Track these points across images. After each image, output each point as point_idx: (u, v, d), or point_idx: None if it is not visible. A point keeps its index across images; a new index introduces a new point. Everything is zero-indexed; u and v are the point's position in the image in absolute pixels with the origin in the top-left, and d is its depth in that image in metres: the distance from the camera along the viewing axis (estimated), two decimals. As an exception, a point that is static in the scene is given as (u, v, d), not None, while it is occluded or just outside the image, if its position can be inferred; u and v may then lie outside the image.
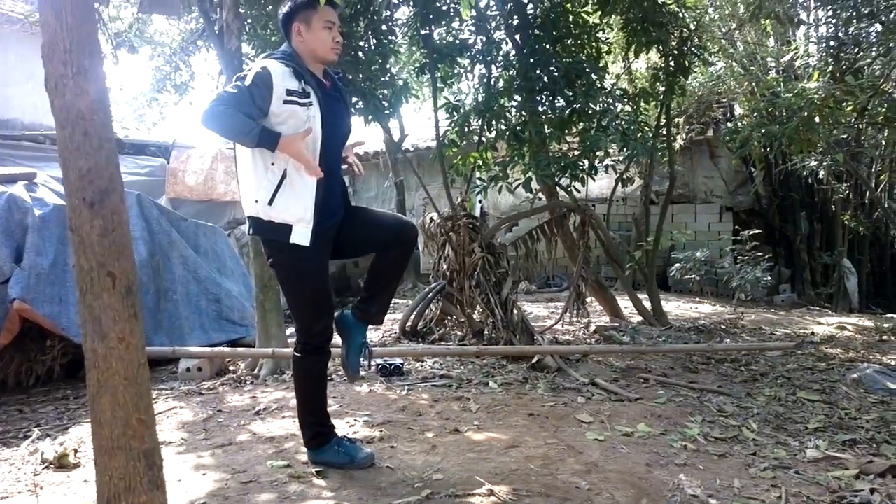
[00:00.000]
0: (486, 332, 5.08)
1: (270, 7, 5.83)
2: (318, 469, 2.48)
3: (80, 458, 2.69)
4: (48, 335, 4.12)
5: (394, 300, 9.10)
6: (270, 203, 2.30)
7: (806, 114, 6.29)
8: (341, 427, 3.01)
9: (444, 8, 5.82)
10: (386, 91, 6.07)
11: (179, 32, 8.49)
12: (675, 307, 7.82)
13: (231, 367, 4.50)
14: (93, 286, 1.39)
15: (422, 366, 4.52)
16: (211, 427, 3.11)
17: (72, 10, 1.45)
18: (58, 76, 1.44)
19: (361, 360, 2.60)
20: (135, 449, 1.40)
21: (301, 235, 2.31)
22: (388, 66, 6.27)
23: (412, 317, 5.53)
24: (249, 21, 5.99)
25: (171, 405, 3.55)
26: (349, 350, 2.61)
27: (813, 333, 6.32)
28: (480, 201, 7.22)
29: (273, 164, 2.30)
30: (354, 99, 5.93)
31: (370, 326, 2.72)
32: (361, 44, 6.11)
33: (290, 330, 4.85)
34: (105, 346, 1.39)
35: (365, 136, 12.73)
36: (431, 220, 5.76)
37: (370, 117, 6.07)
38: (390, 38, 6.27)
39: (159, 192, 8.68)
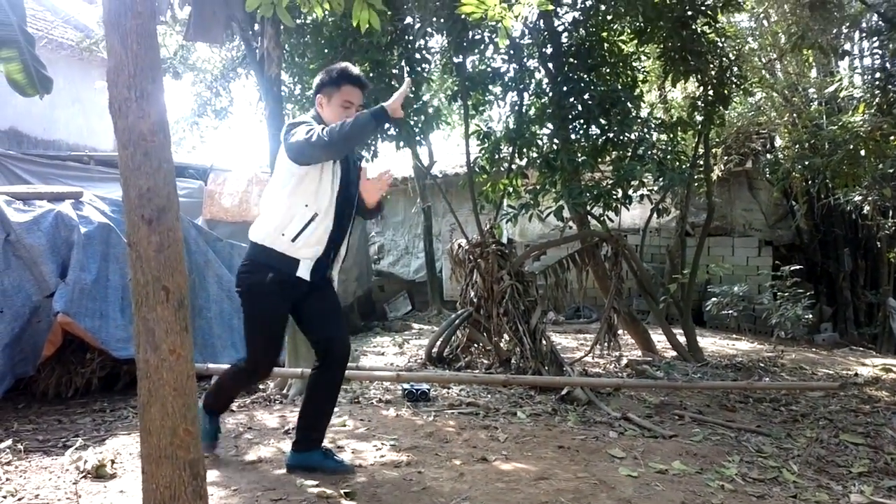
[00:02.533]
0: (513, 360, 5.03)
1: (308, 37, 6.01)
2: (347, 490, 2.48)
3: (117, 468, 2.73)
4: (88, 348, 4.22)
5: (419, 326, 9.15)
6: (294, 240, 2.56)
7: (851, 147, 6.18)
8: (368, 449, 3.01)
9: (478, 37, 5.92)
10: (418, 118, 6.17)
11: (221, 60, 8.78)
12: (711, 343, 7.66)
13: (261, 386, 4.54)
14: (148, 299, 1.44)
15: (448, 392, 4.49)
16: (241, 444, 3.14)
17: (137, 38, 1.53)
18: (122, 99, 1.51)
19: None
20: (181, 458, 1.44)
21: (305, 270, 2.60)
22: (420, 94, 6.38)
23: (438, 343, 5.52)
24: (288, 49, 6.18)
25: (204, 422, 3.59)
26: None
27: (856, 374, 6.12)
28: (508, 230, 7.25)
29: (307, 205, 2.57)
30: (387, 125, 6.04)
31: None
32: (395, 71, 6.25)
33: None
34: (157, 357, 1.43)
35: (394, 161, 12.95)
36: (459, 246, 5.78)
37: (401, 143, 6.17)
38: (423, 65, 6.40)
39: (196, 213, 8.89)
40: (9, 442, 2.93)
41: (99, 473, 2.64)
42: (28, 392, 4.21)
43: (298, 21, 5.78)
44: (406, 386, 4.27)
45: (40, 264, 3.99)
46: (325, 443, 3.12)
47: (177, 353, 1.45)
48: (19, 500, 2.38)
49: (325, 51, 5.87)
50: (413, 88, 6.14)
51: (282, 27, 4.61)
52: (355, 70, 2.71)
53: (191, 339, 1.50)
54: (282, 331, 2.78)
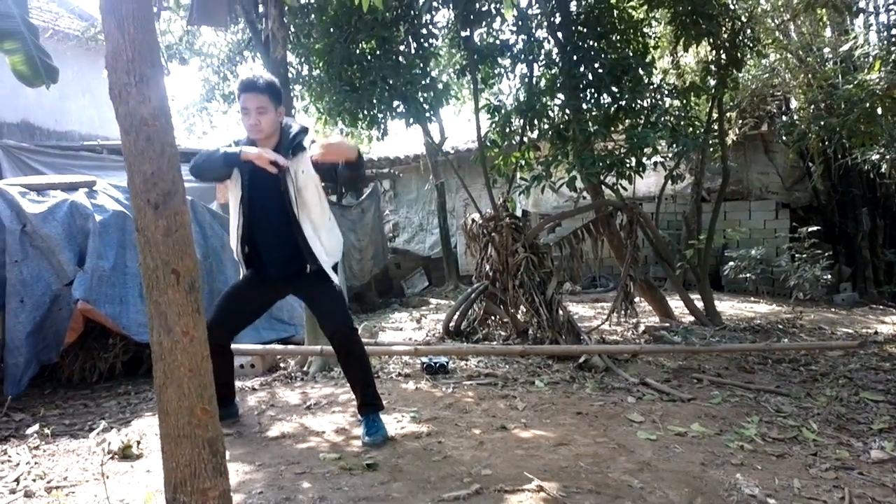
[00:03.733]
0: (530, 331, 5.05)
1: (313, 16, 5.95)
2: (369, 462, 2.52)
3: (143, 449, 2.80)
4: (110, 334, 4.30)
5: (437, 301, 9.19)
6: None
7: (867, 105, 6.03)
8: (389, 422, 3.05)
9: (485, 9, 5.82)
10: (427, 94, 6.11)
11: (227, 43, 8.74)
12: (729, 307, 7.61)
13: (282, 364, 4.61)
14: (158, 283, 1.46)
15: (466, 364, 4.53)
16: (264, 421, 3.20)
17: (133, 22, 1.52)
18: (121, 84, 1.51)
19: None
20: (199, 437, 1.46)
21: (241, 263, 2.99)
22: (428, 69, 6.31)
23: (455, 316, 5.54)
24: (293, 31, 6.13)
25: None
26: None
27: (876, 333, 6.06)
28: (522, 202, 7.19)
29: (231, 210, 2.93)
30: (396, 103, 5.99)
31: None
32: (402, 48, 6.18)
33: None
34: (170, 339, 1.46)
35: (405, 139, 12.83)
36: (473, 220, 5.77)
37: (411, 120, 6.13)
38: (430, 40, 6.32)
39: (210, 199, 8.94)
40: (36, 427, 3.01)
41: (125, 454, 2.71)
42: (54, 378, 4.32)
43: (302, 1, 5.73)
44: (425, 359, 4.31)
45: (57, 253, 4.06)
46: (347, 416, 3.20)
47: (190, 335, 1.47)
48: (48, 482, 2.45)
49: (331, 30, 5.82)
50: (421, 63, 6.09)
51: (286, 8, 4.57)
52: (249, 76, 2.82)
53: (203, 320, 1.52)
54: (233, 305, 2.99)
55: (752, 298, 8.79)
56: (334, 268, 2.94)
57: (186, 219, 1.54)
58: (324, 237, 2.89)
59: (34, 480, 2.47)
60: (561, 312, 4.97)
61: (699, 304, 6.35)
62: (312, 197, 2.84)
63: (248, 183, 2.84)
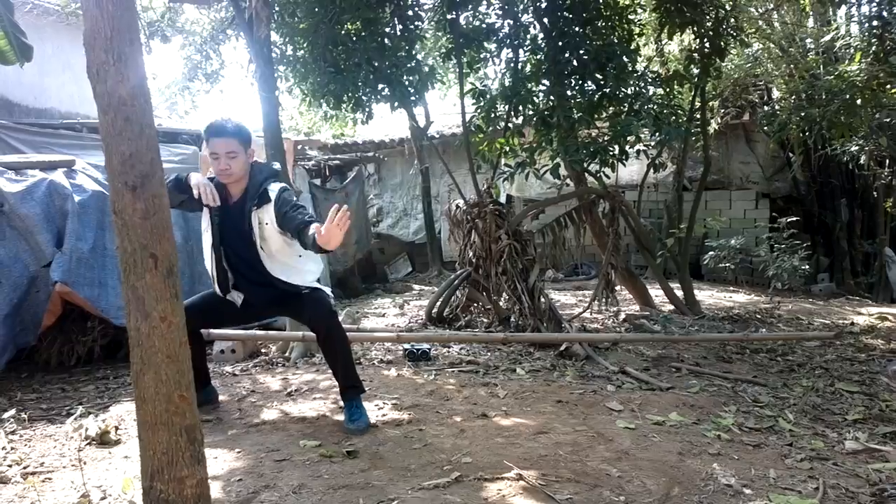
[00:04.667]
0: (512, 319, 5.07)
1: (299, -5, 5.86)
2: (349, 449, 2.52)
3: (121, 434, 2.77)
4: (89, 317, 4.24)
5: (420, 287, 9.19)
6: None
7: (847, 97, 6.10)
8: (370, 409, 3.05)
9: (471, -9, 5.77)
10: (412, 77, 6.05)
11: (210, 21, 8.59)
12: (709, 296, 7.70)
13: (263, 350, 4.58)
14: (136, 267, 1.43)
15: (448, 351, 4.54)
16: (245, 407, 3.18)
17: (112, -1, 1.48)
18: (99, 63, 1.47)
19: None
20: (177, 424, 1.45)
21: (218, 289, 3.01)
22: (413, 52, 6.25)
23: (438, 303, 5.54)
24: (277, 9, 6.02)
25: (206, 387, 3.63)
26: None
27: (853, 324, 6.17)
28: (506, 187, 7.17)
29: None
30: (381, 86, 5.93)
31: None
32: (387, 30, 6.11)
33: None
34: (148, 324, 1.43)
35: (390, 122, 12.74)
36: (457, 206, 5.76)
37: (396, 104, 6.07)
38: (416, 23, 6.25)
39: (192, 180, 8.82)
40: (13, 411, 2.96)
41: (103, 440, 2.68)
42: (31, 361, 4.25)
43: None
44: (407, 346, 4.31)
45: (36, 234, 3.97)
46: (328, 402, 3.19)
47: (168, 321, 1.44)
48: (25, 468, 2.42)
49: (316, 9, 5.72)
50: (407, 46, 6.03)
51: (268, -14, 4.48)
52: (219, 122, 2.81)
53: (182, 306, 1.49)
54: (212, 307, 3.03)
55: (732, 288, 8.91)
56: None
57: (165, 202, 1.51)
58: (296, 274, 2.92)
59: (10, 466, 2.43)
60: (543, 300, 4.99)
61: (679, 293, 6.42)
62: (277, 244, 2.86)
63: (218, 224, 2.89)
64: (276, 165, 3.09)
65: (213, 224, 2.89)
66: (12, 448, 2.65)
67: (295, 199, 2.88)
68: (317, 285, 3.00)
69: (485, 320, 5.40)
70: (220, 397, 3.32)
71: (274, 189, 2.85)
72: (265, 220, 2.82)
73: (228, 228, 2.89)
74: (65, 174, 4.44)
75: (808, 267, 8.26)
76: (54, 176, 4.33)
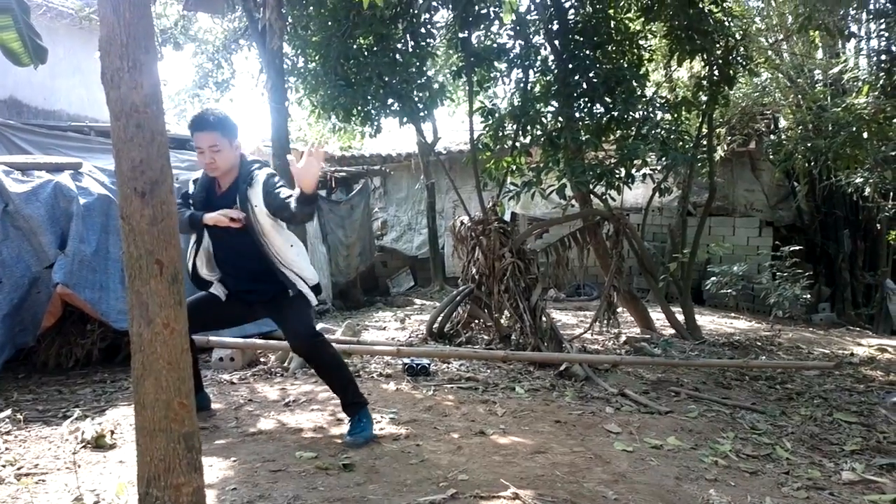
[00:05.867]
0: (513, 337, 5.06)
1: (312, 8, 5.93)
2: (345, 462, 2.51)
3: (116, 439, 2.76)
4: (88, 320, 4.23)
5: (421, 301, 9.18)
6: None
7: (854, 129, 6.14)
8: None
9: (484, 12, 5.83)
10: (422, 93, 6.10)
11: (223, 31, 8.68)
12: (710, 321, 7.68)
13: (262, 359, 4.57)
14: (141, 273, 1.44)
15: (448, 367, 4.52)
16: (242, 416, 3.17)
17: (129, 7, 1.50)
18: (114, 69, 1.49)
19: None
20: (175, 431, 1.44)
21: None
22: (424, 69, 6.30)
23: (439, 318, 5.53)
24: (291, 22, 6.10)
25: (204, 394, 3.62)
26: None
27: (852, 354, 6.15)
28: (510, 205, 7.20)
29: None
30: (390, 101, 5.98)
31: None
32: (399, 45, 6.17)
33: (320, 325, 4.91)
34: (151, 330, 1.43)
35: (398, 138, 12.78)
36: (462, 223, 5.76)
37: (405, 119, 6.12)
38: (428, 40, 6.31)
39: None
40: (8, 412, 2.96)
41: (98, 443, 2.67)
42: (28, 362, 4.24)
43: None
44: (406, 360, 4.30)
45: (39, 235, 3.98)
46: (326, 414, 3.18)
47: (171, 328, 1.44)
48: (19, 469, 2.41)
49: (329, 23, 5.79)
50: (418, 62, 6.09)
51: (284, -2, 4.54)
52: (201, 115, 2.80)
53: (185, 312, 1.50)
54: (201, 310, 2.94)
55: (733, 314, 8.88)
56: (315, 288, 2.92)
57: (173, 209, 1.52)
58: (286, 266, 2.84)
59: (4, 466, 2.42)
60: (544, 319, 4.98)
61: (680, 318, 6.41)
62: (267, 227, 2.79)
63: (204, 234, 2.90)
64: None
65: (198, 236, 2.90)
66: (7, 449, 2.64)
67: (282, 182, 2.79)
68: (306, 291, 2.87)
69: (485, 337, 5.39)
70: (218, 405, 3.31)
71: (261, 173, 2.82)
72: (254, 202, 2.76)
73: (221, 229, 2.82)
74: (71, 176, 4.46)
75: (809, 296, 8.26)
76: (61, 178, 4.36)
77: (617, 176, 5.34)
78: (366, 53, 5.93)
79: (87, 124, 8.54)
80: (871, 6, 6.75)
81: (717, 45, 6.00)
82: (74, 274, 3.97)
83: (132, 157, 1.46)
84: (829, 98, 8.03)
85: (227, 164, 2.80)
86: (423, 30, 6.22)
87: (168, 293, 1.45)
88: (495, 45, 6.15)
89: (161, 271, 1.44)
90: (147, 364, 1.45)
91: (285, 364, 4.37)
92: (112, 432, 2.78)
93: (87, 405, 3.38)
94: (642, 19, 5.96)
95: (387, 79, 5.81)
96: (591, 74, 5.60)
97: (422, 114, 6.31)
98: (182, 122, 10.95)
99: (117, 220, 4.28)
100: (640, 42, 6.13)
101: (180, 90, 9.36)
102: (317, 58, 6.01)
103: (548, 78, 6.03)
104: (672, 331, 6.32)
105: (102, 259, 4.22)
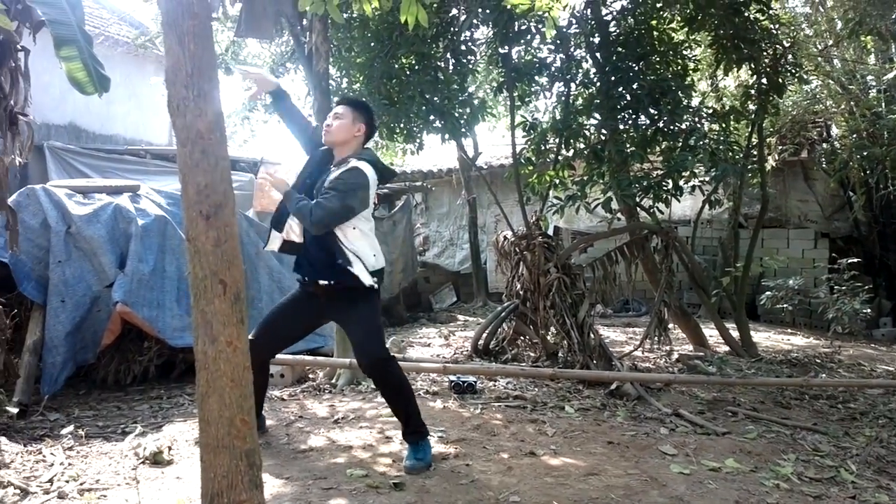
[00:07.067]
0: (560, 354, 4.99)
1: (356, 31, 6.05)
2: (396, 482, 2.51)
3: (174, 455, 2.82)
4: (145, 337, 4.37)
5: (465, 317, 9.16)
6: None
7: (912, 135, 5.88)
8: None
9: (524, 28, 5.85)
10: (463, 110, 6.14)
11: (271, 55, 8.91)
12: (765, 338, 7.43)
13: (311, 376, 4.63)
14: (206, 292, 1.48)
15: (494, 385, 4.48)
16: (293, 433, 3.21)
17: (194, 38, 1.56)
18: (180, 98, 1.54)
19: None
20: (238, 448, 1.47)
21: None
22: (465, 85, 6.36)
23: (485, 335, 5.50)
24: (335, 44, 6.23)
25: (255, 410, 3.68)
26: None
27: (919, 371, 5.84)
28: (554, 220, 7.15)
29: None
30: (433, 118, 6.04)
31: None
32: (441, 64, 6.24)
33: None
34: (215, 348, 1.47)
35: (439, 153, 12.85)
36: (505, 238, 5.74)
37: (447, 136, 6.16)
38: (469, 57, 6.36)
39: (247, 206, 9.09)
40: (70, 427, 3.06)
41: (156, 460, 2.74)
42: (88, 379, 4.40)
43: (346, 15, 5.83)
44: (453, 378, 4.28)
45: (100, 255, 4.15)
46: (374, 432, 3.18)
47: (233, 345, 1.48)
48: (81, 484, 2.49)
49: (372, 44, 5.91)
50: (459, 79, 6.14)
51: (329, 22, 4.65)
52: (347, 94, 2.94)
53: (246, 331, 1.53)
54: (278, 323, 2.94)
55: (789, 330, 8.57)
56: (378, 281, 2.80)
57: (235, 230, 1.57)
58: (356, 244, 2.75)
59: (67, 482, 2.50)
60: (592, 336, 4.90)
61: (734, 334, 6.21)
62: None
63: (309, 185, 2.96)
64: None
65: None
66: (70, 464, 2.73)
67: (351, 182, 2.70)
68: (363, 275, 2.72)
69: (532, 354, 5.33)
70: (269, 422, 3.35)
71: (352, 163, 2.76)
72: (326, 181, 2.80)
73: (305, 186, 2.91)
74: (130, 198, 4.64)
75: (869, 310, 7.89)
76: (120, 200, 4.54)
77: (664, 188, 5.24)
78: (408, 73, 6.02)
79: (143, 147, 8.89)
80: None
81: (765, 54, 5.86)
82: (133, 293, 4.12)
83: (197, 181, 1.51)
84: (883, 104, 7.73)
85: (341, 135, 2.84)
86: (463, 47, 6.28)
87: (231, 312, 1.49)
88: (536, 60, 6.15)
89: (224, 291, 1.48)
90: (212, 381, 1.48)
91: (333, 380, 4.41)
92: (169, 448, 2.85)
93: (145, 421, 3.48)
94: (686, 29, 5.87)
95: (429, 97, 5.87)
96: (634, 86, 5.53)
97: (463, 130, 6.35)
98: (232, 144, 11.28)
99: (173, 239, 4.48)
100: (685, 52, 6.03)
101: (231, 113, 9.64)
102: (361, 78, 6.13)
103: (590, 90, 5.99)
104: (726, 348, 6.13)
105: (159, 278, 4.36)
